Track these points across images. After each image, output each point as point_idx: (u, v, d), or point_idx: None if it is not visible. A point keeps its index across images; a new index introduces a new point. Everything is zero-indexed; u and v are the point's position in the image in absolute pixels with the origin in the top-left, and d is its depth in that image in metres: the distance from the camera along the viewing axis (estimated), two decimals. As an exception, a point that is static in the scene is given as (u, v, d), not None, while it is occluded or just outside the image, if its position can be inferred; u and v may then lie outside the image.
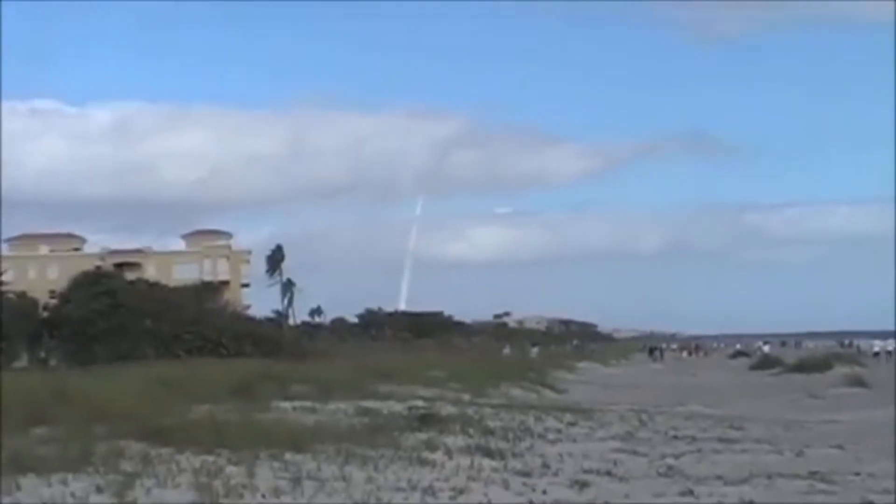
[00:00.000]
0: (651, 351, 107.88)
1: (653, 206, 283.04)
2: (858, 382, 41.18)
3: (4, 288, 58.30)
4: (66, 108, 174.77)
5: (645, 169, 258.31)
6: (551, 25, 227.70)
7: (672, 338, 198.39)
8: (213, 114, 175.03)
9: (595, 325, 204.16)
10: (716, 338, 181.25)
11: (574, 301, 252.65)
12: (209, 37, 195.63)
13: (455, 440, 17.15)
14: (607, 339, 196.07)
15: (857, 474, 14.61)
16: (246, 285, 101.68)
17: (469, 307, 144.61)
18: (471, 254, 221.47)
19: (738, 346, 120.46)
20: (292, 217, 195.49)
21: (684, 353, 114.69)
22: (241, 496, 11.40)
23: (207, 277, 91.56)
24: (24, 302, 49.55)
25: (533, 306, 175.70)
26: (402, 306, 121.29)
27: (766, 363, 69.07)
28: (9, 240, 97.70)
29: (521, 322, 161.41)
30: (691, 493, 12.95)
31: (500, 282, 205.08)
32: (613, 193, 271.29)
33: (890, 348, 75.94)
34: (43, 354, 45.83)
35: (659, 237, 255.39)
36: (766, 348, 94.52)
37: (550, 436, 19.26)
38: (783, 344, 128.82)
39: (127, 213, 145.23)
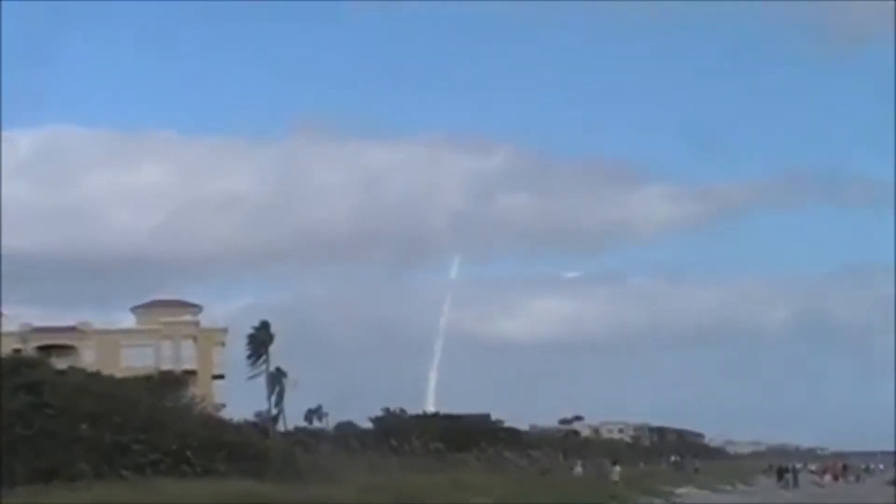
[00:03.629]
0: (780, 473, 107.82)
1: (778, 268, 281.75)
2: None
3: None
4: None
5: (766, 218, 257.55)
6: (630, 29, 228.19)
7: (810, 455, 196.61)
8: (174, 142, 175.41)
9: (701, 435, 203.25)
10: (872, 456, 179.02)
11: (671, 400, 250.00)
12: (172, 39, 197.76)
13: None
14: (718, 454, 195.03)
15: None
16: (219, 376, 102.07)
17: (525, 408, 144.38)
18: (527, 334, 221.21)
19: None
20: (283, 283, 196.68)
21: (826, 477, 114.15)
22: None
23: (167, 365, 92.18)
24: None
25: (613, 407, 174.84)
26: (432, 407, 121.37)
27: (943, 492, 68.06)
28: None
29: (596, 429, 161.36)
30: None
31: (569, 372, 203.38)
32: (723, 251, 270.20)
33: None
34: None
35: (788, 309, 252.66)
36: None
37: None
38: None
39: (57, 276, 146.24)
